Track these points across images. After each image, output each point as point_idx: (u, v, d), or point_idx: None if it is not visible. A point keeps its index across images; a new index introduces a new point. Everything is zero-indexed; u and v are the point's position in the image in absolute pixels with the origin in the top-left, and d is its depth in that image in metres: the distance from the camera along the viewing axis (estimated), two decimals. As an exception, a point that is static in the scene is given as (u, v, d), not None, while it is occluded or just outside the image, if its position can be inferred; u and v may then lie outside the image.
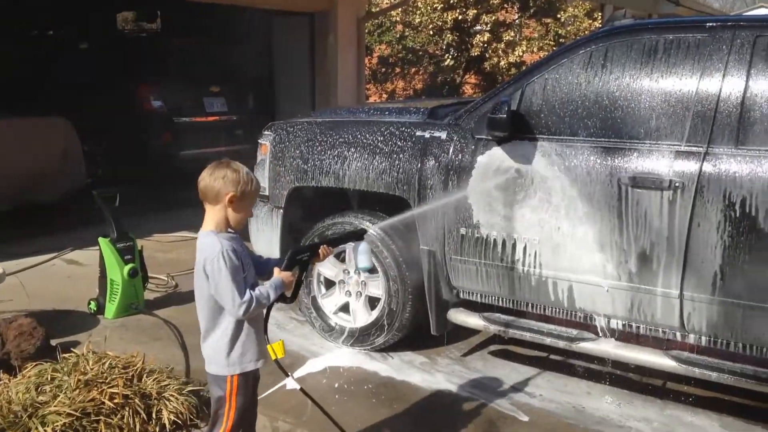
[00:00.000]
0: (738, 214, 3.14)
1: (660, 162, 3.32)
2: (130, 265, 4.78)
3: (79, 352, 3.64)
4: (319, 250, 2.80)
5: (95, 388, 3.28)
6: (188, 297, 5.11)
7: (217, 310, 2.55)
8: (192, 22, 10.06)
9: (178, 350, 4.28)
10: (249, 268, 2.59)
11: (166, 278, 5.59)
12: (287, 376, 2.71)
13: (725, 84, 3.24)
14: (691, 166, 3.25)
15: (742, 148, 3.17)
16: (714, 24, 3.37)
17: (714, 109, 3.25)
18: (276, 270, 2.66)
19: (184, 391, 3.48)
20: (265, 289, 2.56)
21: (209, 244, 2.51)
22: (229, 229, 2.59)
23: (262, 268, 2.73)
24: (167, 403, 3.35)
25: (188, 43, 9.97)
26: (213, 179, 2.54)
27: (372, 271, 3.49)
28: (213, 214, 2.57)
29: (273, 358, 2.60)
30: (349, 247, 4.26)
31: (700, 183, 3.21)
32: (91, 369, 3.42)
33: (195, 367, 3.96)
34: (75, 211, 7.25)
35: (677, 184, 3.26)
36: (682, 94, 3.33)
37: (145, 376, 3.49)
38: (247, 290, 2.49)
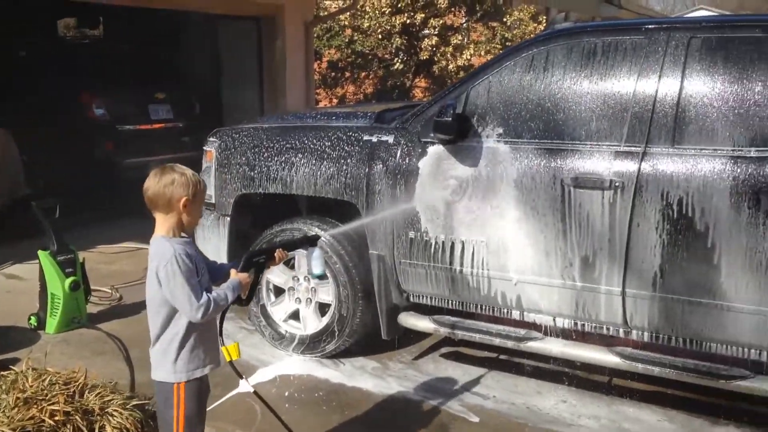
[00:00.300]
0: (675, 213, 3.21)
1: (600, 162, 3.38)
2: (71, 278, 4.64)
3: (18, 369, 3.51)
4: (275, 254, 2.80)
5: (35, 406, 3.16)
6: (133, 309, 5.01)
7: (170, 316, 2.51)
8: (136, 28, 9.86)
9: (122, 364, 4.17)
10: (204, 272, 2.54)
11: (109, 291, 5.45)
12: (240, 378, 2.67)
13: (661, 85, 3.32)
14: (630, 166, 3.31)
15: (679, 148, 3.25)
16: (650, 26, 3.44)
17: (651, 110, 3.32)
18: (233, 271, 2.64)
19: (128, 406, 3.38)
20: (223, 290, 2.52)
21: (162, 250, 2.46)
22: (183, 234, 2.55)
23: (216, 272, 2.69)
24: (110, 418, 3.26)
25: (132, 49, 9.76)
26: (162, 186, 2.48)
27: (322, 277, 3.47)
28: (165, 221, 2.52)
29: (228, 359, 2.57)
30: (299, 253, 4.24)
31: (639, 182, 3.28)
32: (31, 386, 3.30)
33: (140, 380, 3.87)
34: (15, 224, 7.02)
35: (617, 184, 3.32)
36: (621, 96, 3.40)
37: (87, 391, 3.39)
38: (204, 293, 2.45)
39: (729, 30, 3.30)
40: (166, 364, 2.55)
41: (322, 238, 3.63)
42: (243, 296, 2.66)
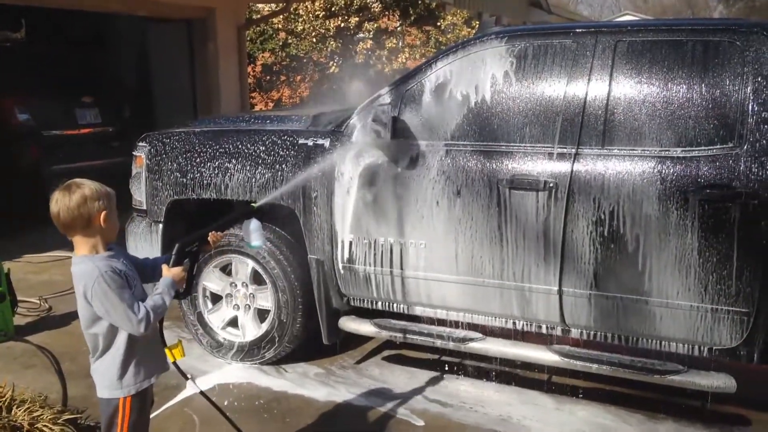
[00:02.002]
0: (607, 212, 3.28)
1: (535, 164, 3.43)
2: (-5, 290, 4.45)
3: (-61, 388, 3.34)
4: (209, 237, 2.73)
5: (-42, 425, 3.02)
6: (63, 320, 4.83)
7: (107, 334, 2.43)
8: (61, 30, 9.53)
9: (53, 377, 4.01)
10: (136, 282, 2.47)
11: (38, 301, 5.24)
12: (186, 378, 2.62)
13: (591, 87, 3.40)
14: (563, 167, 3.37)
15: (609, 149, 3.33)
16: (578, 30, 3.52)
17: (582, 112, 3.40)
18: (164, 268, 2.56)
19: (59, 421, 3.26)
20: (158, 296, 2.45)
21: (86, 270, 2.37)
22: (108, 248, 2.46)
23: (151, 271, 2.62)
24: (40, 434, 3.14)
25: (57, 52, 9.41)
26: (77, 207, 2.37)
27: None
28: (85, 240, 2.42)
29: (172, 360, 2.52)
30: (236, 259, 4.16)
31: (572, 183, 3.35)
32: (-47, 405, 3.15)
33: (73, 394, 3.73)
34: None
35: (551, 185, 3.38)
36: (553, 98, 3.46)
37: (15, 407, 3.25)
38: (141, 305, 2.37)
39: (654, 33, 3.40)
40: (112, 381, 2.47)
41: (257, 205, 3.22)
42: (180, 290, 2.59)
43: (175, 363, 2.54)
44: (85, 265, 2.38)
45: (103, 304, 2.34)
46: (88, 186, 2.41)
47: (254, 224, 2.96)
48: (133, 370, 2.48)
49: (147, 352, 2.51)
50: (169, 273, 2.53)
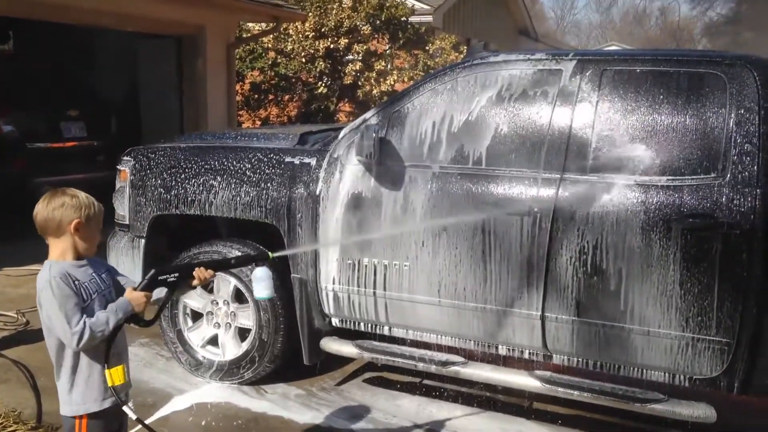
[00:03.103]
0: (591, 239, 3.29)
1: (520, 189, 3.44)
2: (-28, 303, 4.38)
3: None
4: (195, 273, 2.57)
5: (-73, 441, 2.95)
6: (40, 335, 4.64)
7: (59, 344, 2.37)
8: (49, 43, 9.51)
9: (28, 392, 3.94)
10: (96, 296, 2.38)
11: (15, 315, 5.17)
12: (122, 405, 2.40)
13: (576, 114, 3.42)
14: (547, 193, 3.39)
15: (594, 176, 3.35)
16: (564, 57, 3.55)
17: (567, 139, 3.42)
18: (128, 290, 2.45)
19: (33, 437, 3.21)
20: (104, 314, 2.34)
21: (41, 276, 2.35)
22: (78, 258, 2.42)
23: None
24: (13, 452, 3.07)
25: (45, 65, 9.39)
26: (51, 210, 2.37)
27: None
28: (56, 246, 2.40)
29: (109, 384, 2.36)
30: (217, 276, 4.11)
31: (557, 209, 3.36)
32: (-77, 420, 3.07)
33: (48, 409, 3.65)
34: None
35: (536, 210, 3.39)
36: (539, 124, 3.49)
37: (-14, 423, 3.19)
38: (82, 320, 2.28)
39: (640, 63, 3.44)
40: (64, 398, 2.42)
41: (272, 256, 2.91)
42: (143, 316, 2.46)
43: (112, 388, 2.36)
44: (43, 271, 2.36)
45: (46, 310, 2.32)
46: (73, 195, 2.41)
47: (263, 273, 2.77)
48: (82, 388, 2.39)
49: (100, 369, 2.39)
50: (129, 295, 2.43)
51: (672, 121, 3.28)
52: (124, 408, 2.40)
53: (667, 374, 3.34)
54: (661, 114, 3.31)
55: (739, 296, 3.11)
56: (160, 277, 2.51)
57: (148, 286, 2.48)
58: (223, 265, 2.85)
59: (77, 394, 2.40)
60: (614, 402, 3.43)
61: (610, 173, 3.33)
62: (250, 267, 2.81)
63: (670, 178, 3.23)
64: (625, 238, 3.24)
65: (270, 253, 2.86)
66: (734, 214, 3.10)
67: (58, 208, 2.37)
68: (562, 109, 3.45)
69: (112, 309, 2.37)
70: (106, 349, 2.38)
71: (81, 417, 2.41)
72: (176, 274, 2.56)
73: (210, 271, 2.60)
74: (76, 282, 2.35)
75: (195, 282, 2.60)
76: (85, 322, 2.29)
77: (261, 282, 2.77)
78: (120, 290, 2.52)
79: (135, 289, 2.46)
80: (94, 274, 2.44)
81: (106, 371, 2.36)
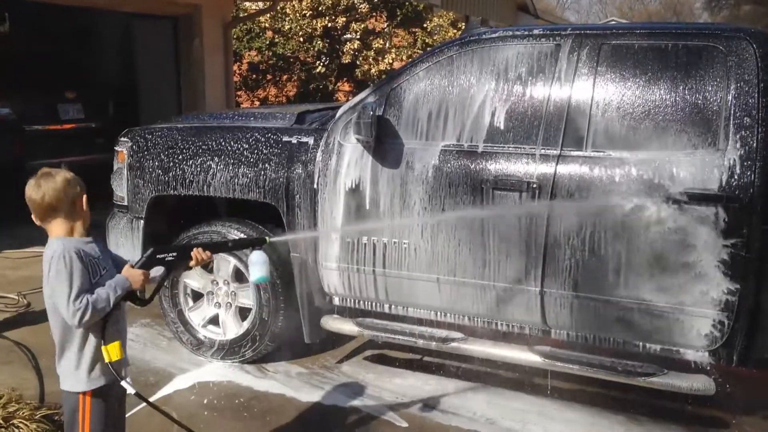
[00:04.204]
0: (589, 213, 3.29)
1: (519, 165, 3.44)
2: (-27, 286, 4.39)
3: None
4: (193, 253, 2.58)
5: (-69, 422, 2.97)
6: (42, 317, 4.69)
7: (64, 322, 2.35)
8: (44, 24, 9.44)
9: (30, 374, 3.97)
10: (105, 274, 2.39)
11: (16, 297, 5.19)
12: (120, 380, 2.41)
13: (574, 90, 3.40)
14: (546, 169, 3.38)
15: (592, 151, 3.33)
16: (564, 32, 3.53)
17: (565, 114, 3.40)
18: (126, 268, 2.45)
19: (35, 417, 3.23)
20: (104, 290, 2.33)
21: (53, 248, 2.34)
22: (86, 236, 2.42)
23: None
24: (16, 430, 3.10)
25: (40, 46, 9.32)
26: (62, 189, 2.36)
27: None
28: (62, 225, 2.39)
29: (106, 360, 2.36)
30: (217, 255, 4.11)
31: (555, 184, 3.35)
32: (-73, 401, 3.10)
33: (50, 390, 3.69)
34: None
35: (534, 186, 3.38)
36: (537, 100, 3.47)
37: (-11, 403, 3.21)
38: (85, 297, 2.28)
39: (638, 37, 3.41)
40: (70, 374, 2.42)
41: (269, 241, 2.94)
42: (140, 295, 2.48)
43: (109, 363, 2.37)
44: (55, 244, 2.35)
45: (51, 282, 2.30)
46: (64, 172, 2.41)
47: (258, 256, 2.78)
48: (89, 364, 2.41)
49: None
50: (127, 272, 2.43)
51: (671, 94, 3.26)
52: (123, 383, 2.41)
53: (666, 347, 3.35)
54: (660, 88, 3.29)
55: (738, 269, 3.12)
56: (158, 256, 2.52)
57: (147, 264, 2.49)
58: (221, 248, 2.87)
59: (84, 370, 2.40)
60: (614, 376, 3.45)
61: (608, 149, 3.32)
62: (249, 253, 2.82)
63: (670, 152, 3.22)
64: (623, 212, 3.24)
65: (268, 238, 2.88)
66: (733, 188, 3.09)
67: (67, 186, 2.37)
68: (560, 84, 3.43)
69: (111, 285, 2.36)
70: (102, 326, 2.38)
71: (85, 393, 2.42)
72: (174, 254, 2.56)
73: (207, 253, 2.62)
74: (88, 257, 2.35)
75: (192, 263, 2.61)
76: (87, 299, 2.28)
77: (256, 265, 2.78)
78: (118, 268, 2.50)
79: (133, 266, 2.46)
80: (99, 251, 2.44)
81: (103, 348, 2.36)
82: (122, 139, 4.43)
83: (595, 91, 3.37)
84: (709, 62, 3.23)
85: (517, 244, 3.43)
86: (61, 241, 2.36)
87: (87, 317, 2.28)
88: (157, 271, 2.54)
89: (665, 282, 3.22)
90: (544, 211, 3.36)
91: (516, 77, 3.51)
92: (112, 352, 2.37)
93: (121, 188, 4.35)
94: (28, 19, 9.36)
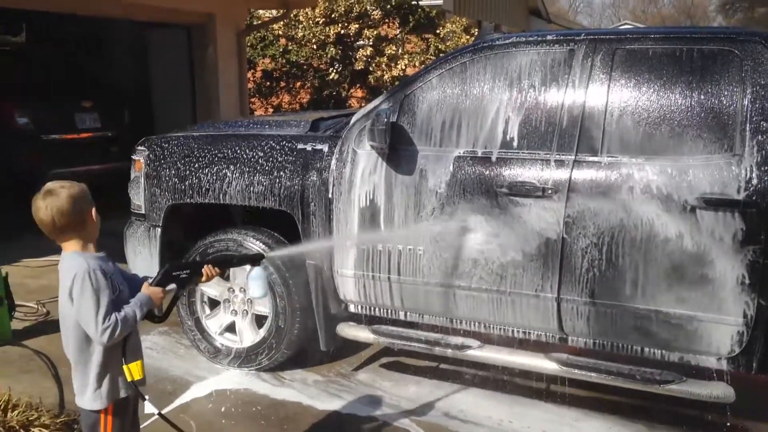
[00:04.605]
0: (606, 219, 3.28)
1: (533, 171, 3.43)
2: (-7, 294, 4.44)
3: (-66, 391, 3.33)
4: (204, 270, 2.62)
5: (-47, 429, 3.00)
6: None
7: (85, 338, 2.37)
8: (61, 35, 9.55)
9: (50, 382, 4.01)
10: (123, 289, 2.41)
11: (35, 306, 5.23)
12: (143, 399, 2.46)
13: (589, 95, 3.39)
14: (561, 174, 3.37)
15: (608, 156, 3.32)
16: (576, 37, 3.52)
17: (580, 119, 3.39)
18: (144, 286, 2.48)
19: (55, 424, 3.25)
20: (131, 308, 2.36)
21: (75, 265, 2.33)
22: (98, 251, 2.43)
23: (137, 289, 2.52)
24: (36, 438, 3.13)
25: (57, 57, 9.44)
26: (72, 204, 2.34)
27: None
28: (77, 239, 2.39)
29: (129, 379, 2.38)
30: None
31: (571, 190, 3.34)
32: (-51, 408, 3.13)
33: (69, 398, 3.71)
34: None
35: (549, 192, 3.37)
36: (552, 106, 3.46)
37: (10, 410, 3.25)
38: (113, 315, 2.30)
39: (653, 42, 3.40)
40: (89, 391, 2.42)
41: (267, 257, 3.10)
42: (157, 312, 2.51)
43: (132, 383, 2.40)
44: (75, 260, 2.34)
45: (78, 301, 2.29)
46: (67, 186, 2.38)
47: (257, 273, 2.84)
48: (109, 381, 2.41)
49: (127, 360, 2.41)
50: (148, 290, 2.45)
51: (686, 99, 3.25)
52: (146, 403, 2.43)
53: (684, 355, 3.33)
54: (675, 93, 3.27)
55: (757, 276, 3.09)
56: (173, 273, 2.55)
57: (163, 281, 2.52)
58: (227, 263, 2.91)
59: (106, 387, 2.41)
60: (632, 383, 3.43)
61: (623, 154, 3.30)
62: (249, 270, 2.90)
63: (685, 157, 3.21)
64: (640, 218, 3.22)
65: (264, 254, 2.96)
66: (751, 193, 3.07)
67: (77, 200, 2.35)
68: (575, 90, 3.42)
69: (136, 303, 2.38)
70: (123, 344, 2.40)
71: (107, 410, 2.42)
72: (188, 271, 2.61)
73: (216, 269, 2.67)
74: (108, 275, 2.35)
75: (203, 279, 2.65)
76: (116, 317, 2.30)
77: (255, 281, 2.86)
78: (130, 282, 2.52)
79: (150, 284, 2.49)
80: (113, 266, 2.45)
81: (125, 367, 2.37)
82: (139, 147, 4.47)
83: (609, 96, 3.36)
84: (725, 66, 3.22)
85: (533, 250, 3.42)
86: (83, 257, 2.35)
87: (116, 335, 2.30)
88: (170, 287, 2.56)
89: (682, 289, 3.20)
90: (560, 218, 3.36)
91: (530, 83, 3.51)
92: (134, 371, 2.38)
93: (138, 197, 4.39)
94: (45, 30, 9.47)
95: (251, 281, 2.87)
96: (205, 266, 2.63)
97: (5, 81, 8.51)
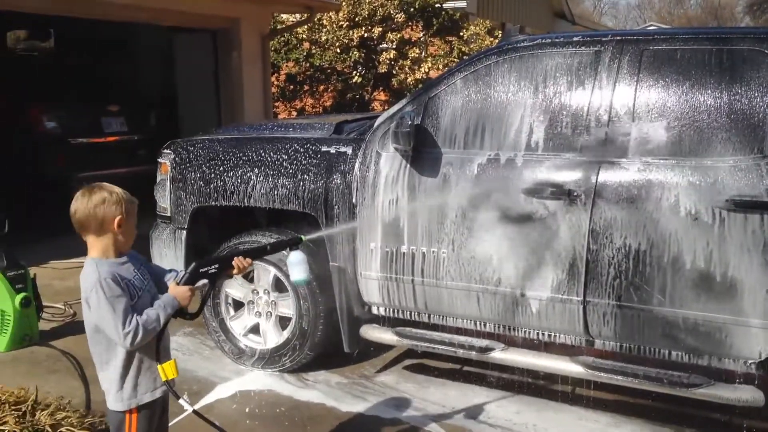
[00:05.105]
0: (633, 222, 3.24)
1: (559, 173, 3.40)
2: (21, 294, 4.50)
3: (-35, 391, 3.39)
4: (234, 262, 2.59)
5: (-17, 428, 3.05)
6: None
7: (107, 342, 2.40)
8: (88, 40, 9.68)
9: (77, 382, 4.05)
10: (143, 293, 2.41)
11: (63, 307, 5.30)
12: (177, 398, 2.46)
13: (616, 97, 3.36)
14: (588, 176, 3.34)
15: (635, 159, 3.29)
16: (603, 38, 3.49)
17: (607, 121, 3.36)
18: (171, 285, 2.48)
19: (83, 424, 3.29)
20: (154, 311, 2.37)
21: (87, 276, 2.36)
22: (121, 254, 2.44)
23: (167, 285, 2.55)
24: (64, 438, 3.16)
25: (85, 61, 9.56)
26: (93, 207, 2.36)
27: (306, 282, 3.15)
28: (97, 243, 2.41)
29: (163, 379, 2.40)
30: (258, 266, 4.16)
31: (597, 192, 3.31)
32: (-21, 408, 3.18)
33: (96, 398, 3.76)
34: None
35: (576, 194, 3.34)
36: (578, 107, 3.44)
37: (38, 411, 3.29)
38: (134, 318, 2.31)
39: (681, 42, 3.36)
40: (114, 393, 2.45)
41: (304, 239, 2.90)
42: (188, 310, 2.50)
43: (166, 382, 2.40)
44: (89, 269, 2.37)
45: (96, 310, 2.32)
46: (111, 190, 2.40)
47: (297, 257, 2.77)
48: (133, 383, 2.43)
49: (148, 365, 2.44)
50: (174, 290, 2.45)
51: (715, 101, 3.21)
52: (180, 401, 2.43)
53: (713, 358, 3.28)
54: (704, 94, 3.23)
55: (787, 278, 3.04)
56: (201, 270, 2.54)
57: (191, 280, 2.51)
58: (260, 252, 2.86)
59: (128, 389, 2.43)
60: (659, 387, 3.38)
61: (651, 156, 3.27)
62: (287, 255, 2.83)
63: (714, 159, 3.16)
64: (667, 220, 3.18)
65: (302, 237, 2.87)
66: (781, 195, 3.02)
67: (99, 204, 2.36)
68: (602, 91, 3.39)
69: (160, 305, 2.39)
70: (156, 345, 2.42)
71: (131, 411, 2.45)
72: (216, 266, 2.59)
73: (248, 260, 2.63)
74: (124, 281, 2.36)
75: (235, 271, 2.62)
76: (137, 321, 2.31)
77: (296, 266, 2.77)
78: (158, 280, 2.55)
79: (178, 283, 2.49)
80: (135, 270, 2.45)
81: (159, 367, 2.38)
82: (165, 151, 4.52)
83: (637, 97, 3.33)
84: (754, 67, 3.17)
85: (558, 253, 3.40)
86: (95, 265, 2.37)
87: (139, 339, 2.31)
88: (200, 283, 2.56)
89: (711, 292, 3.15)
90: (586, 221, 3.33)
91: (555, 85, 3.49)
92: (168, 370, 2.38)
93: (164, 199, 4.43)
94: (72, 35, 9.61)
95: (291, 267, 2.78)
96: (236, 258, 2.61)
97: (33, 86, 8.64)
